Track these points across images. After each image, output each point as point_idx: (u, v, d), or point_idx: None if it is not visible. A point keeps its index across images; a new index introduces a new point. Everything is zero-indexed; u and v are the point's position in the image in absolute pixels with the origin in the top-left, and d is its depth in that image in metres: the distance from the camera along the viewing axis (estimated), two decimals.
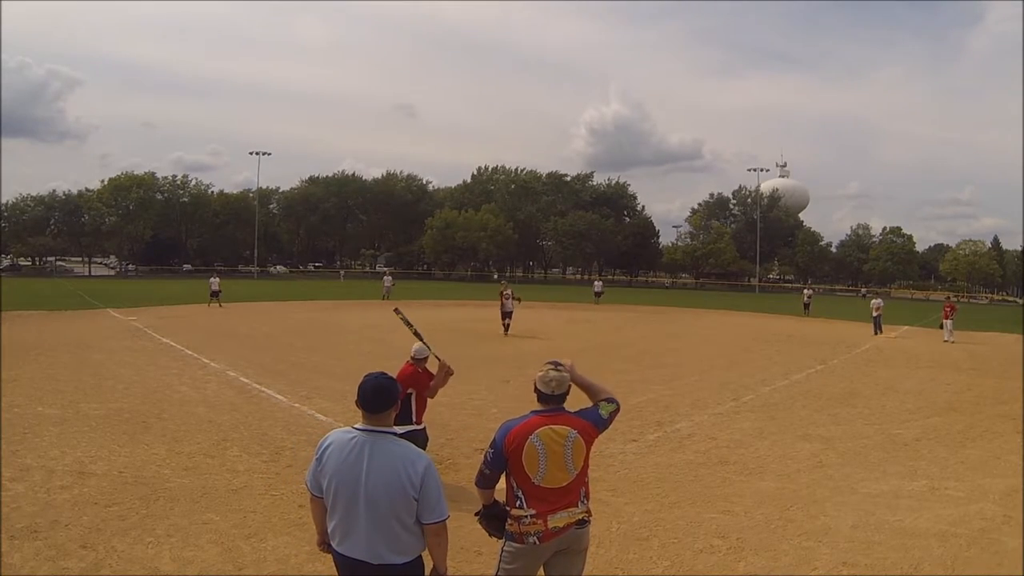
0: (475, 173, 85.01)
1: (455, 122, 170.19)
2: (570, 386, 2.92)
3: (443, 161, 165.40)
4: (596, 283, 42.59)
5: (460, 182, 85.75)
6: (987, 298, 71.76)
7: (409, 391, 5.23)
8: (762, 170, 79.19)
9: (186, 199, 73.70)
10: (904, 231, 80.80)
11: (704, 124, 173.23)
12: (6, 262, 69.17)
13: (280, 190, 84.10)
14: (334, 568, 2.61)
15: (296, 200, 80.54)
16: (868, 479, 6.21)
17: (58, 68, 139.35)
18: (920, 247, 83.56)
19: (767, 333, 21.90)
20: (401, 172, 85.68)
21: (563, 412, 2.88)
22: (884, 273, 76.97)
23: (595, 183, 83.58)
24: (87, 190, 71.04)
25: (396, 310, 5.30)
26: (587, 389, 3.05)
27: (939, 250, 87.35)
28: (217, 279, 27.56)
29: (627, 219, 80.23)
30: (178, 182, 74.29)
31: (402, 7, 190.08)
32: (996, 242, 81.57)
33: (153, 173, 72.45)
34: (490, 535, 2.99)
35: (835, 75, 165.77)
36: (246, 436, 7.22)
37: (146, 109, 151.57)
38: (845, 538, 4.80)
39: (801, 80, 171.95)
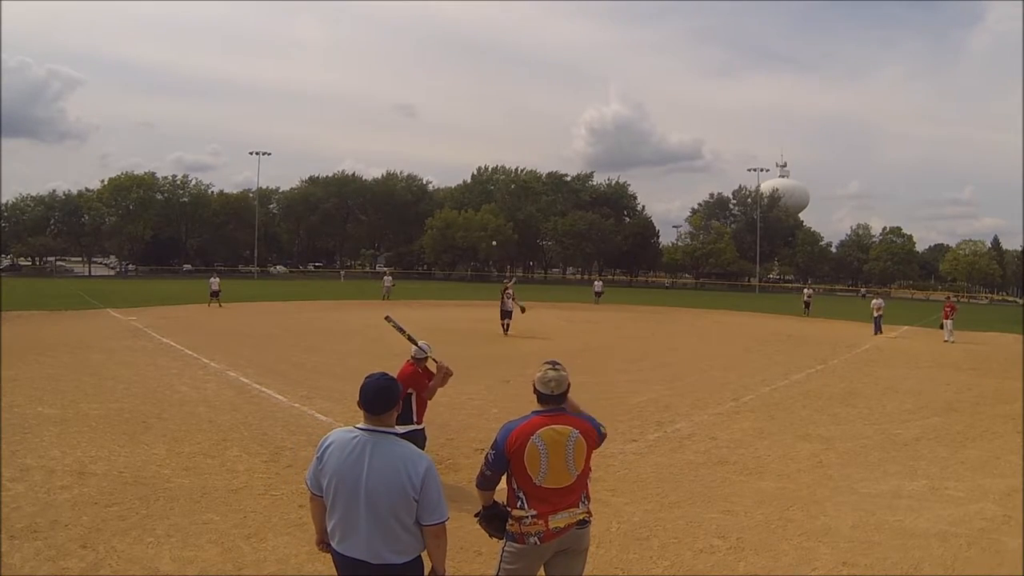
0: (475, 173, 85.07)
1: (455, 122, 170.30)
2: (569, 385, 2.92)
3: (443, 161, 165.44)
4: (596, 283, 42.58)
5: (460, 182, 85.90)
6: (987, 298, 71.75)
7: (409, 391, 5.23)
8: (762, 170, 79.32)
9: (186, 199, 73.69)
10: (904, 231, 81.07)
11: (704, 124, 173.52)
12: (6, 262, 69.16)
13: (280, 190, 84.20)
14: (334, 568, 2.61)
15: (296, 200, 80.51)
16: (868, 479, 6.21)
17: (58, 68, 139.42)
18: (920, 247, 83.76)
19: (767, 333, 21.90)
20: (401, 172, 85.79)
21: (564, 412, 2.89)
22: (884, 273, 76.96)
23: (595, 183, 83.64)
24: (87, 190, 71.18)
25: (387, 317, 5.31)
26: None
27: (939, 250, 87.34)
28: (217, 279, 27.56)
29: (627, 219, 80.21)
30: (178, 182, 74.33)
31: (402, 7, 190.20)
32: (996, 242, 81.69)
33: (153, 173, 72.58)
34: (490, 536, 2.98)
35: (835, 75, 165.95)
36: (246, 436, 7.22)
37: (146, 109, 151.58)
38: (845, 538, 4.80)
39: (801, 80, 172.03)
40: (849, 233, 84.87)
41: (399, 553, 2.47)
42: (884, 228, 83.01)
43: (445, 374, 5.25)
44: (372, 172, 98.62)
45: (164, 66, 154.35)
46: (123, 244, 70.74)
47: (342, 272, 69.27)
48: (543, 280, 79.89)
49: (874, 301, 23.35)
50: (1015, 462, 6.90)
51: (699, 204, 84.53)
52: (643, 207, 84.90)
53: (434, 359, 5.34)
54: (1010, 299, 74.07)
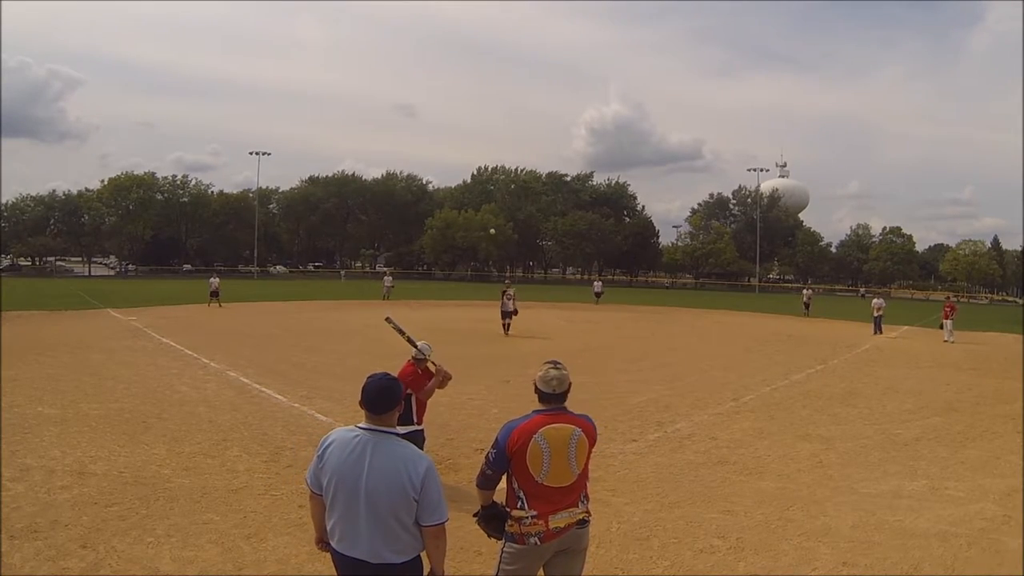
0: (475, 173, 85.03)
1: (455, 122, 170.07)
2: (570, 384, 2.93)
3: (443, 161, 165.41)
4: (596, 283, 42.56)
5: (460, 182, 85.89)
6: (987, 298, 71.74)
7: (409, 392, 5.23)
8: (762, 170, 79.25)
9: (186, 199, 73.65)
10: (904, 231, 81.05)
11: (704, 124, 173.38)
12: (6, 262, 69.11)
13: (280, 190, 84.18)
14: (333, 568, 2.61)
15: (296, 200, 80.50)
16: (868, 479, 6.21)
17: (58, 68, 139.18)
18: (920, 247, 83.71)
19: (767, 333, 21.91)
20: (401, 172, 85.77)
21: (565, 411, 2.89)
22: (884, 273, 76.95)
23: (595, 183, 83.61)
24: (87, 190, 71.14)
25: (388, 319, 5.31)
26: None
27: (939, 250, 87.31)
28: (217, 279, 27.57)
29: (627, 219, 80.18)
30: (178, 182, 74.29)
31: (402, 7, 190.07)
32: (996, 242, 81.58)
33: (153, 173, 72.52)
34: (489, 536, 2.98)
35: (835, 75, 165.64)
36: (246, 436, 7.22)
37: (146, 109, 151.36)
38: (845, 538, 4.80)
39: (801, 80, 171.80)
40: (849, 233, 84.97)
41: (398, 553, 2.47)
42: (884, 228, 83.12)
43: (444, 377, 5.27)
44: (372, 172, 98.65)
45: (164, 66, 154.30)
46: (123, 244, 70.76)
47: (342, 272, 69.30)
48: (543, 280, 79.90)
49: (874, 301, 23.36)
50: (1015, 462, 6.90)
51: (699, 204, 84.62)
52: (643, 207, 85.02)
53: (433, 362, 5.35)
54: (1010, 299, 74.06)
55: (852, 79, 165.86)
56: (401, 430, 4.82)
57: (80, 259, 74.80)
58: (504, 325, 19.00)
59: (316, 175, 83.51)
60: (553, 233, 74.19)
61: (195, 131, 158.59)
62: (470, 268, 76.61)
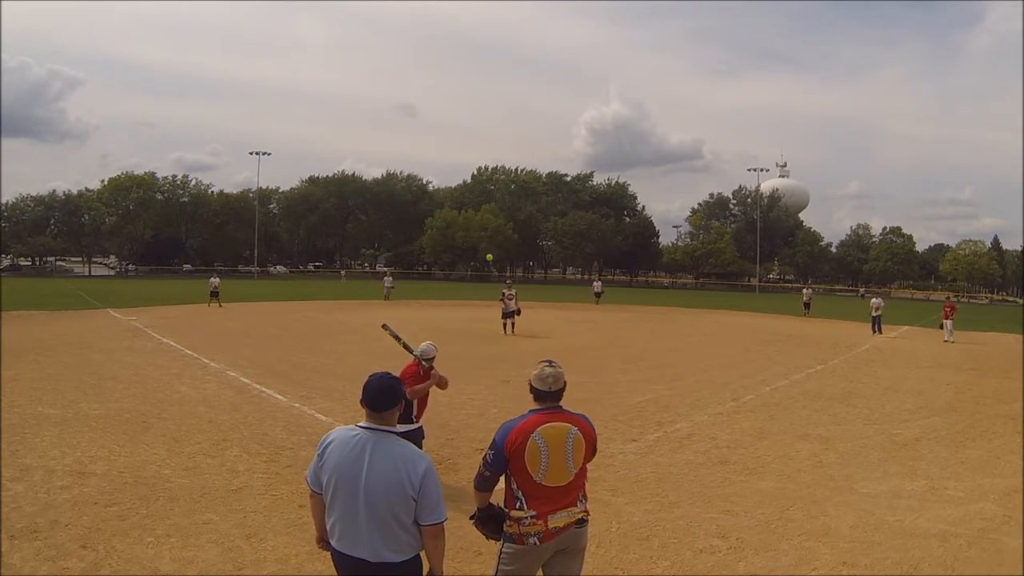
0: (475, 173, 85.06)
1: (455, 122, 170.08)
2: (565, 383, 2.94)
3: (443, 161, 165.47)
4: (596, 283, 42.55)
5: (460, 182, 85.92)
6: (987, 298, 71.73)
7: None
8: (762, 170, 79.21)
9: (186, 199, 73.70)
10: (904, 231, 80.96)
11: (704, 124, 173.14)
12: (6, 262, 69.10)
13: (280, 190, 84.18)
14: (333, 567, 2.62)
15: (296, 200, 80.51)
16: (868, 479, 6.21)
17: (58, 68, 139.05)
18: (920, 247, 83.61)
19: (767, 333, 21.90)
20: (401, 172, 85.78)
21: (561, 410, 2.90)
22: (884, 273, 76.93)
23: (595, 183, 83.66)
24: (87, 190, 71.18)
25: (384, 325, 5.34)
26: None
27: (939, 250, 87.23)
28: (217, 279, 27.58)
29: (627, 219, 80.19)
30: (178, 182, 74.34)
31: (402, 7, 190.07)
32: (996, 242, 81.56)
33: (153, 173, 72.55)
34: (487, 538, 2.98)
35: (835, 75, 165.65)
36: (246, 436, 7.22)
37: (146, 109, 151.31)
38: (845, 538, 4.80)
39: (801, 80, 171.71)
40: (849, 233, 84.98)
41: (398, 552, 2.48)
42: (884, 228, 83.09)
43: (439, 380, 5.38)
44: (372, 172, 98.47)
45: (164, 66, 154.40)
46: (123, 244, 70.77)
47: (343, 272, 69.30)
48: (543, 280, 79.89)
49: (873, 300, 23.36)
50: (1015, 462, 6.90)
51: (699, 204, 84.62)
52: (643, 207, 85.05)
53: (433, 368, 5.44)
54: (1010, 299, 74.02)
55: (852, 79, 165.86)
56: (401, 428, 4.86)
57: (80, 259, 74.79)
58: (504, 325, 19.04)
59: (316, 175, 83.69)
60: (553, 233, 74.20)
61: (195, 131, 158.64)
62: (470, 268, 76.60)
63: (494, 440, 2.83)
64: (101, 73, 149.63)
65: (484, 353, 14.63)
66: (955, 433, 8.22)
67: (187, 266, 72.55)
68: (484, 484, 2.87)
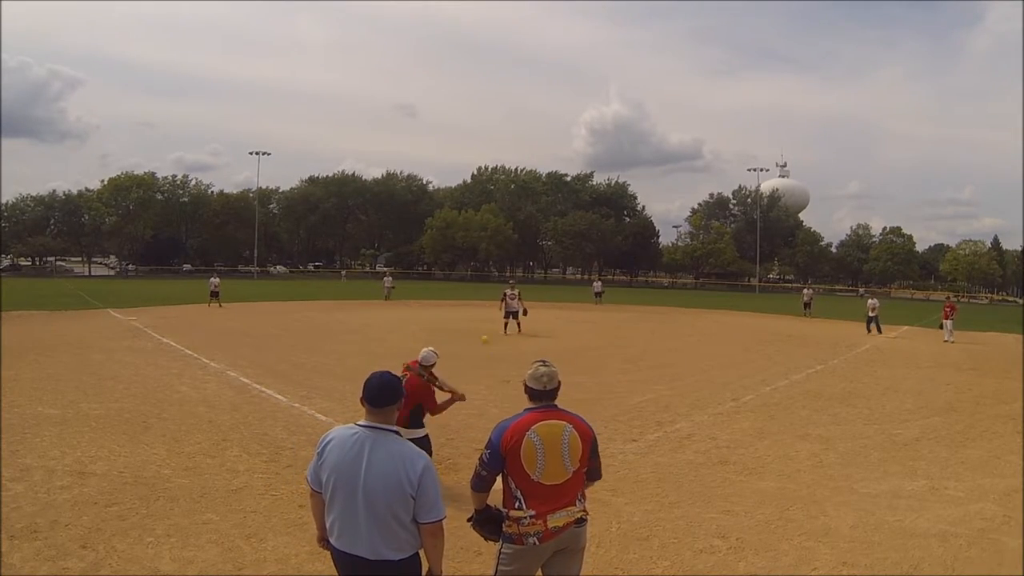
0: (475, 173, 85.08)
1: (455, 122, 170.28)
2: (560, 383, 2.95)
3: (443, 161, 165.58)
4: (596, 283, 42.52)
5: (460, 182, 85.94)
6: (987, 298, 71.69)
7: (418, 403, 5.30)
8: (762, 170, 79.29)
9: (186, 199, 73.72)
10: (904, 231, 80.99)
11: (704, 124, 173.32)
12: (6, 262, 69.10)
13: (280, 190, 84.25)
14: (333, 567, 2.62)
15: (296, 200, 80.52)
16: (868, 479, 6.21)
17: (58, 68, 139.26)
18: (920, 247, 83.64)
19: (767, 333, 21.90)
20: (401, 172, 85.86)
21: (556, 408, 2.91)
22: (884, 273, 76.95)
23: (595, 183, 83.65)
24: (87, 190, 71.25)
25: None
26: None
27: (939, 250, 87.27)
28: (217, 279, 27.56)
29: (627, 219, 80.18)
30: (178, 182, 74.40)
31: (402, 7, 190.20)
32: (996, 242, 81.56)
33: (153, 173, 72.60)
34: (485, 539, 2.98)
35: (835, 75, 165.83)
36: (246, 436, 7.22)
37: (146, 109, 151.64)
38: (845, 538, 4.80)
39: (801, 80, 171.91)
40: (849, 233, 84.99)
41: (397, 550, 2.49)
42: (884, 228, 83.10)
43: (457, 398, 5.58)
44: (372, 172, 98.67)
45: (164, 66, 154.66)
46: (123, 244, 70.78)
47: (343, 272, 69.29)
48: (543, 280, 79.86)
49: (870, 301, 23.39)
50: (1015, 462, 6.90)
51: (699, 204, 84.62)
52: (643, 207, 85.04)
53: (444, 386, 5.51)
54: (1010, 299, 73.99)
55: (852, 79, 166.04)
56: (419, 433, 5.00)
57: (80, 259, 74.82)
58: (505, 324, 19.09)
59: (316, 175, 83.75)
60: (553, 233, 74.19)
61: (195, 131, 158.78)
62: (470, 268, 76.59)
63: (490, 439, 2.84)
64: (101, 73, 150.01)
65: (484, 353, 14.63)
66: (955, 433, 8.22)
67: (187, 266, 72.56)
68: (481, 484, 2.88)
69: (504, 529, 2.85)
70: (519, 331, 18.91)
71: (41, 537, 4.44)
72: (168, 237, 74.33)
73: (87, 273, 67.01)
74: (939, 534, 4.89)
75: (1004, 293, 79.74)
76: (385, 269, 59.22)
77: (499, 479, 2.89)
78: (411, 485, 2.45)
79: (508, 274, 72.36)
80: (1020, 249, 78.08)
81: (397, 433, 2.59)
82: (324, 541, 2.67)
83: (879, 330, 22.01)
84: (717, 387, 11.10)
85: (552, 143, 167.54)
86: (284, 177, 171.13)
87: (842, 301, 52.50)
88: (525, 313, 19.47)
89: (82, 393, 9.14)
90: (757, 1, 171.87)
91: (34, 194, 71.19)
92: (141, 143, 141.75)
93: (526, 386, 2.94)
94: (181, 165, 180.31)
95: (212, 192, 76.28)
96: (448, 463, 6.37)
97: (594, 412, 8.02)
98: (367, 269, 79.13)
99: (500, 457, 2.80)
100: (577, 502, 2.88)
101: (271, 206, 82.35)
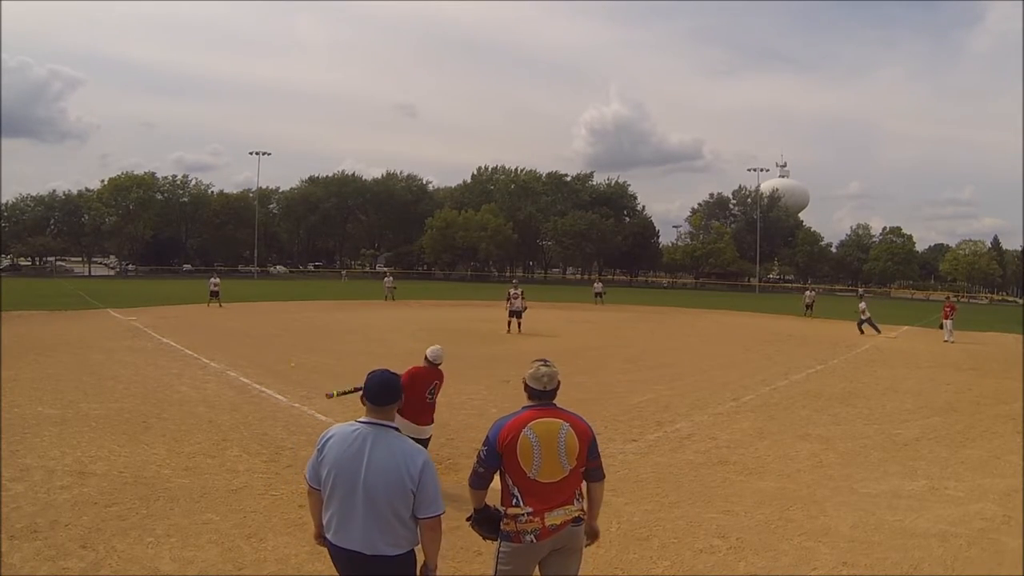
0: (475, 173, 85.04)
1: (455, 122, 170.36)
2: (559, 383, 2.96)
3: (443, 161, 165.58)
4: (596, 284, 42.46)
5: (460, 182, 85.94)
6: (987, 298, 71.70)
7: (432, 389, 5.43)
8: (762, 170, 79.25)
9: (186, 199, 73.71)
10: (904, 231, 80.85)
11: (704, 124, 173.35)
12: (6, 262, 69.12)
13: (280, 190, 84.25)
14: (333, 566, 2.63)
15: (296, 200, 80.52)
16: (868, 479, 6.21)
17: (58, 68, 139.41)
18: (920, 247, 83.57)
19: (767, 333, 21.90)
20: (401, 172, 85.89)
21: (554, 407, 2.92)
22: (884, 273, 76.93)
23: (595, 183, 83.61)
24: (87, 190, 71.26)
25: (328, 395, 5.62)
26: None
27: (939, 250, 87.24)
28: (217, 279, 27.54)
29: (627, 219, 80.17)
30: (178, 182, 74.36)
31: (402, 7, 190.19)
32: (996, 242, 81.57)
33: (153, 173, 72.58)
34: (484, 538, 2.99)
35: (835, 75, 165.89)
36: (246, 436, 7.22)
37: (146, 109, 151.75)
38: (845, 538, 4.80)
39: (801, 80, 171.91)
40: (849, 233, 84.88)
41: (394, 545, 2.51)
42: (884, 228, 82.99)
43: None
44: (372, 172, 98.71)
45: (164, 66, 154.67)
46: (123, 244, 70.76)
47: (344, 272, 69.30)
48: (543, 280, 79.85)
49: (860, 304, 23.41)
50: (1015, 462, 6.90)
51: (699, 204, 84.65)
52: (643, 207, 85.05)
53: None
54: (1010, 299, 73.99)
55: (852, 79, 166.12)
56: (426, 432, 5.05)
57: (80, 259, 74.85)
58: (509, 323, 19.28)
59: (316, 175, 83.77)
60: (553, 233, 74.19)
61: (195, 131, 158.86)
62: (470, 268, 76.59)
63: (487, 437, 2.86)
64: (101, 73, 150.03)
65: (484, 353, 14.63)
66: (955, 433, 8.22)
67: (187, 266, 72.58)
68: (479, 481, 2.89)
69: (502, 527, 2.85)
70: (519, 331, 18.96)
71: (41, 537, 4.44)
72: (168, 237, 74.34)
73: (87, 273, 67.01)
74: (939, 534, 4.89)
75: (1004, 293, 79.73)
76: (385, 269, 59.24)
77: (497, 477, 2.89)
78: (412, 480, 2.48)
79: (509, 274, 72.42)
80: (1020, 249, 78.16)
81: (397, 430, 2.62)
82: (320, 538, 2.69)
83: (876, 330, 21.96)
84: (717, 387, 11.10)
85: (552, 143, 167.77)
86: (284, 177, 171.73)
87: (842, 301, 52.45)
88: (524, 309, 19.59)
89: (82, 393, 9.14)
90: (757, 1, 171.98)
91: (34, 194, 71.41)
92: (141, 143, 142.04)
93: (526, 385, 2.95)
94: (181, 165, 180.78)
95: (212, 192, 76.37)
96: (448, 463, 6.37)
97: (594, 412, 8.03)
98: (367, 269, 79.15)
99: (496, 454, 2.81)
100: (575, 501, 2.89)
101: (271, 206, 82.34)
